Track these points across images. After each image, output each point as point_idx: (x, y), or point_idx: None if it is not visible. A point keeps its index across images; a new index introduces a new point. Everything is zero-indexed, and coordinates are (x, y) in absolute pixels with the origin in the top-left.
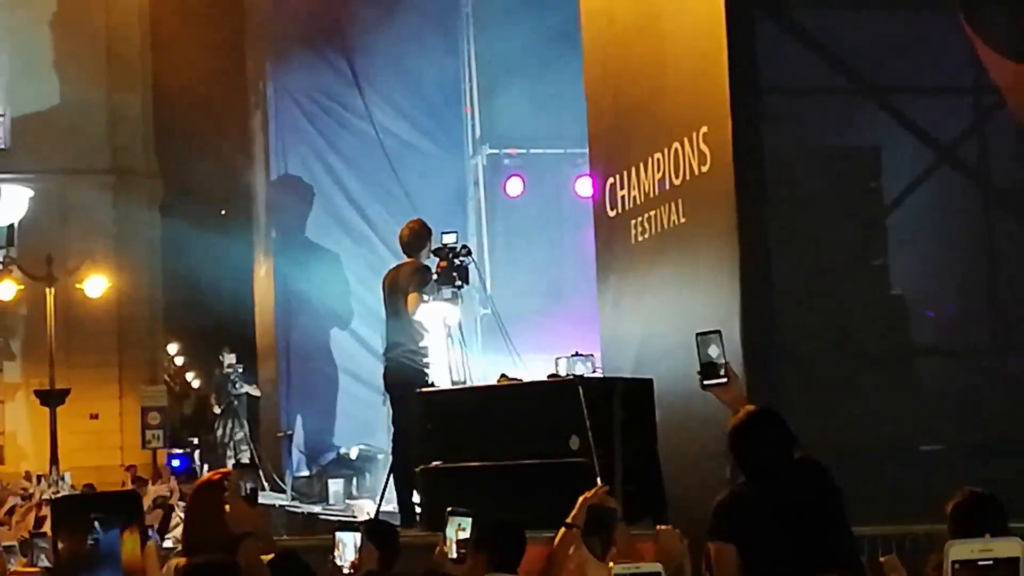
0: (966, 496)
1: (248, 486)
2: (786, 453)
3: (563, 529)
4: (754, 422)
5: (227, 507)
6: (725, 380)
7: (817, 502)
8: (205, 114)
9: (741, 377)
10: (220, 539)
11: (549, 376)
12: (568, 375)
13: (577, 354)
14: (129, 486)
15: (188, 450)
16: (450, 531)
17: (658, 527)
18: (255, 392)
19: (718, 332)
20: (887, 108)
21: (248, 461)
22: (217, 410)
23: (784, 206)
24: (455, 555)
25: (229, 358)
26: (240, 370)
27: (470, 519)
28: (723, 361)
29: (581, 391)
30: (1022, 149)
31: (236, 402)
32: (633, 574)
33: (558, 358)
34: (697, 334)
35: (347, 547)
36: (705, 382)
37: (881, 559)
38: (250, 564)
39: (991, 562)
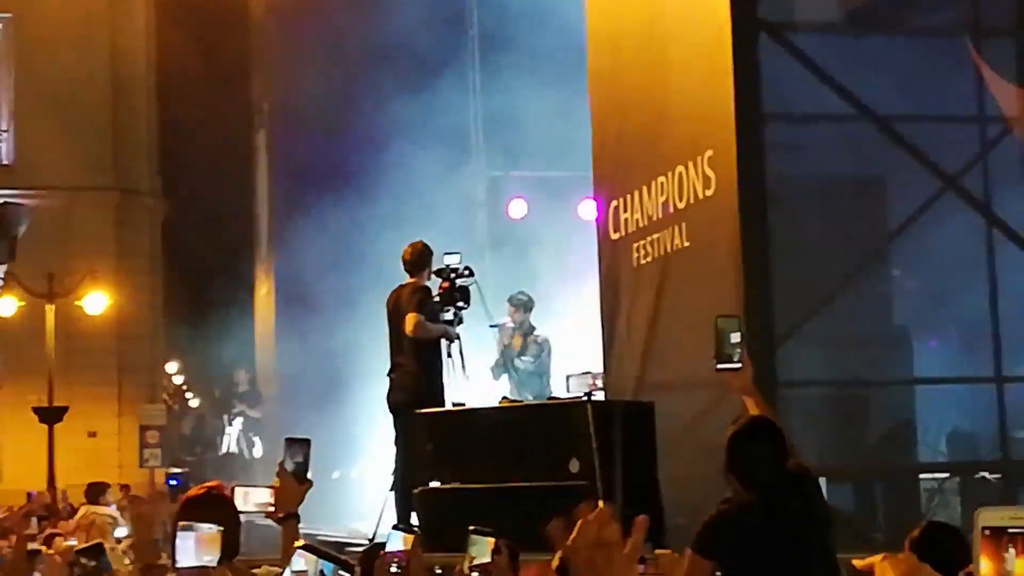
0: (925, 528)
1: (296, 460)
2: (779, 466)
3: (560, 551)
4: (751, 433)
5: (275, 483)
6: (739, 365)
7: (805, 521)
8: (210, 134)
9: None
10: None
11: (549, 398)
12: (568, 398)
13: (588, 372)
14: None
15: (186, 469)
16: (471, 550)
17: (657, 551)
18: (254, 413)
19: (737, 317)
20: (892, 136)
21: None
22: (229, 428)
23: (787, 232)
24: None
25: (240, 376)
26: (246, 390)
27: (490, 539)
28: (739, 347)
29: (590, 411)
30: None
31: (243, 420)
32: None
33: (569, 376)
34: (717, 316)
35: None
36: (719, 366)
37: None
38: (288, 550)
39: (1022, 529)
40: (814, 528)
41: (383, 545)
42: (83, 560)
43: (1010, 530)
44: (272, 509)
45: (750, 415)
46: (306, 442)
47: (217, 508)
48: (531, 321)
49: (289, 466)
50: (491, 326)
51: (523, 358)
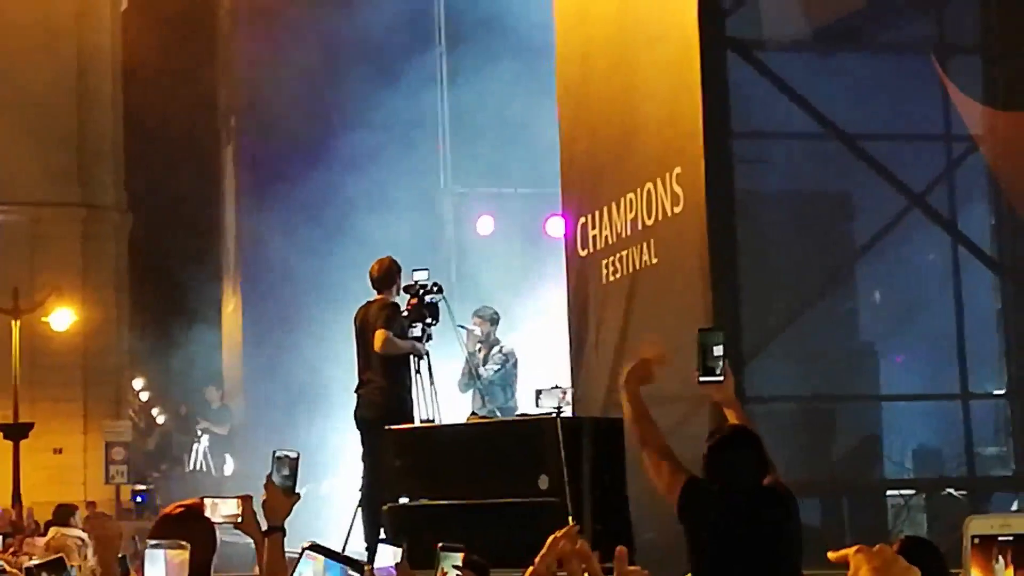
0: (903, 543)
1: (283, 474)
2: (756, 478)
3: (531, 568)
4: (730, 442)
5: (264, 497)
6: (721, 378)
7: (781, 535)
8: (177, 148)
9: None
10: None
11: (518, 415)
12: (538, 414)
13: (557, 387)
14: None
15: (152, 486)
16: (442, 565)
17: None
18: (219, 431)
19: (721, 330)
20: (859, 153)
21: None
22: (198, 444)
23: (755, 248)
24: None
25: (211, 393)
26: (217, 407)
27: (459, 555)
28: (722, 360)
29: (559, 427)
30: (991, 195)
31: (208, 436)
32: None
33: (539, 391)
34: (700, 329)
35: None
36: (702, 379)
37: None
38: (272, 562)
39: (1011, 537)
40: (789, 546)
41: (363, 562)
42: (44, 575)
43: (1000, 539)
44: (240, 520)
45: (729, 424)
46: (294, 456)
47: (194, 526)
48: (497, 335)
49: (277, 480)
50: (459, 326)
51: (487, 367)
